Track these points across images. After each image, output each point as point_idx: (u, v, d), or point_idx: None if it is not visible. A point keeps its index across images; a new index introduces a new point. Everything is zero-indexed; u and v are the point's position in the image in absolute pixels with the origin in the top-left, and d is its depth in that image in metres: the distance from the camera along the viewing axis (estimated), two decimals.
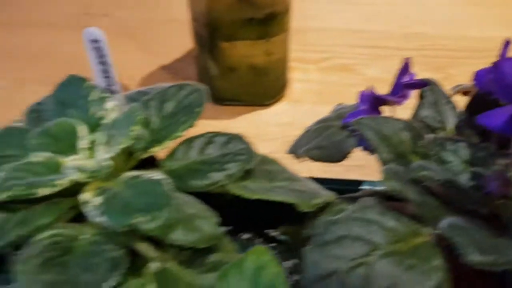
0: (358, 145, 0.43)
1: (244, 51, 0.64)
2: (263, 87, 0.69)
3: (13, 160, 0.41)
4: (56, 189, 0.37)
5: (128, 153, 0.43)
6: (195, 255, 0.39)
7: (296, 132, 0.52)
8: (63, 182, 0.37)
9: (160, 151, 0.46)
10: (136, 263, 0.37)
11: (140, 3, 0.91)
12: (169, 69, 0.78)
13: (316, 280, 0.31)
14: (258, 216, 0.49)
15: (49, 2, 0.94)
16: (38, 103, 0.49)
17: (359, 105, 0.49)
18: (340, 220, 0.33)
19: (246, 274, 0.36)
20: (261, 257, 0.36)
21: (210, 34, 0.63)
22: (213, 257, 0.39)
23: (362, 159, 0.53)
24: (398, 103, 0.45)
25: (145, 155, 0.44)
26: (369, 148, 0.42)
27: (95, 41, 0.42)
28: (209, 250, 0.39)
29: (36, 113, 0.47)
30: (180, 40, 0.81)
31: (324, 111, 0.52)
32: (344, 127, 0.47)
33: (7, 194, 0.36)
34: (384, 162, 0.38)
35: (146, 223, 0.34)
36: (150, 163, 0.45)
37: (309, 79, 0.77)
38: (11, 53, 0.85)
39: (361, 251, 0.31)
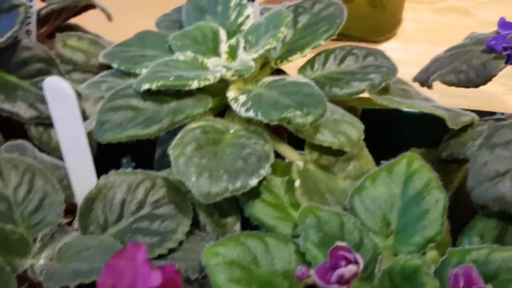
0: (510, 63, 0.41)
1: None
2: (378, 22, 0.67)
3: (152, 59, 0.42)
4: (205, 83, 0.37)
5: (262, 63, 0.43)
6: (334, 161, 0.38)
7: (409, 70, 0.50)
8: (212, 77, 0.37)
9: (288, 66, 0.46)
10: (276, 163, 0.37)
11: None
12: (274, 2, 0.77)
13: (486, 180, 0.30)
14: (384, 138, 0.48)
15: None
16: (167, 14, 0.49)
17: (500, 30, 0.46)
18: (508, 125, 0.32)
19: (396, 178, 0.35)
20: (412, 162, 0.35)
21: None
22: (352, 165, 0.38)
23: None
24: None
25: (279, 65, 0.43)
26: None
27: None
28: (348, 157, 0.39)
29: (167, 22, 0.48)
30: None
31: (437, 50, 0.50)
32: (487, 50, 0.44)
33: (157, 83, 0.37)
34: None
35: (300, 117, 0.34)
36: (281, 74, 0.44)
37: (421, 19, 0.74)
38: None
39: None
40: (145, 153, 0.44)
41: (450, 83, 0.45)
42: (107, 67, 0.45)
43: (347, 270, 0.27)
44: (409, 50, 0.69)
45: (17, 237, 0.31)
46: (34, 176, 0.34)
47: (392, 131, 0.47)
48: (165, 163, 0.40)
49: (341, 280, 0.27)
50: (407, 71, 0.50)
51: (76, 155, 0.32)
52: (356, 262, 0.27)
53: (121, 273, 0.24)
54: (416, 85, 0.48)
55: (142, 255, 0.23)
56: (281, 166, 0.37)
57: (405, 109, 0.49)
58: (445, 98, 0.55)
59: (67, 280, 0.28)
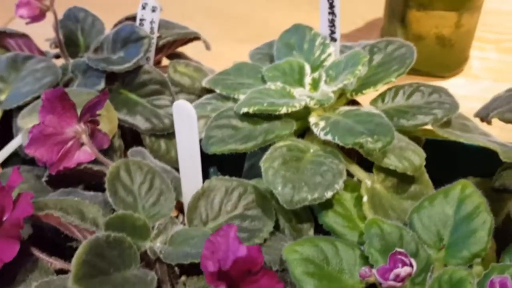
0: None
1: (435, 21, 0.68)
2: (445, 59, 0.73)
3: (248, 86, 0.50)
4: (292, 109, 0.44)
5: (340, 94, 0.50)
6: (398, 184, 0.44)
7: (473, 105, 0.55)
8: (298, 104, 0.45)
9: (361, 97, 0.52)
10: (347, 181, 0.44)
11: None
12: (348, 37, 0.84)
13: None
14: (444, 166, 0.53)
15: None
16: (259, 48, 0.58)
17: None
18: None
19: (451, 201, 0.41)
20: (466, 188, 0.41)
21: (405, 2, 0.68)
22: (413, 188, 0.45)
23: None
24: None
25: (354, 97, 0.50)
26: None
27: None
28: (410, 181, 0.45)
29: (259, 55, 0.56)
30: (357, 12, 0.87)
31: (501, 88, 0.54)
32: None
33: (254, 108, 0.45)
34: None
35: (371, 143, 0.41)
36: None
37: (488, 57, 0.78)
38: (211, 13, 0.96)
39: None
40: (229, 164, 0.52)
41: (507, 121, 0.50)
42: (209, 90, 0.54)
43: (403, 270, 0.33)
44: (474, 86, 0.74)
45: (141, 223, 0.39)
46: (154, 176, 0.42)
47: (452, 160, 0.53)
48: (252, 175, 0.47)
49: (397, 279, 0.33)
50: (471, 106, 0.55)
51: (190, 162, 0.41)
52: (411, 265, 0.34)
53: (218, 247, 0.30)
54: (477, 120, 0.53)
55: (233, 233, 0.30)
56: (351, 184, 0.44)
57: (464, 141, 0.55)
58: (505, 133, 0.60)
59: (182, 259, 0.36)
